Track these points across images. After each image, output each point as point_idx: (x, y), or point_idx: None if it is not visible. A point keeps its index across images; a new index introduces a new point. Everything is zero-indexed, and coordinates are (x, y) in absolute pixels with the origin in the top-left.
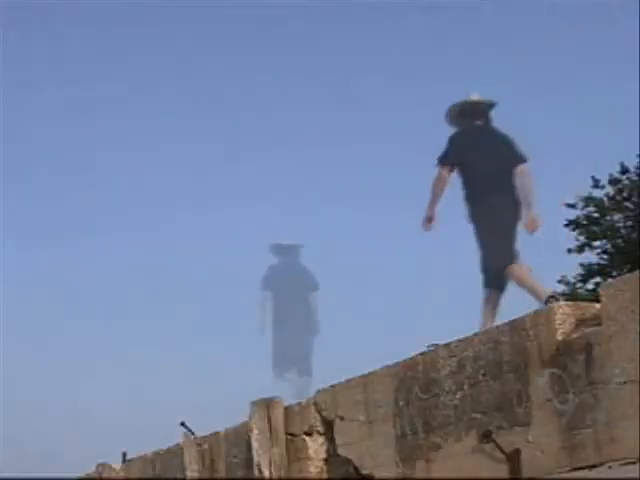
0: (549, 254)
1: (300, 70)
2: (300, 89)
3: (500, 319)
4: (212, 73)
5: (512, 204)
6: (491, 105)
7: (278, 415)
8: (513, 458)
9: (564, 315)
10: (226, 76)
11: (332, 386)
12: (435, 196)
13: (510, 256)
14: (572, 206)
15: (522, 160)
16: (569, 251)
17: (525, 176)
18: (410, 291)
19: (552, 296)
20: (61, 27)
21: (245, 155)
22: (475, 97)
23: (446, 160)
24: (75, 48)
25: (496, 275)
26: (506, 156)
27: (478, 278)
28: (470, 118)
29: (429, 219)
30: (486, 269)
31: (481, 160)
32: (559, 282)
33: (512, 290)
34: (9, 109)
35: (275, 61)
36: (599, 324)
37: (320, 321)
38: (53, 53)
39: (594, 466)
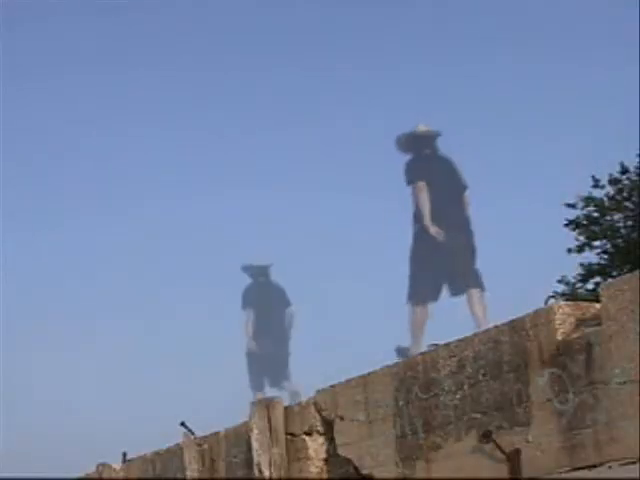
0: (549, 254)
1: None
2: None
3: (500, 319)
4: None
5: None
6: (436, 135)
7: (278, 415)
8: (513, 458)
9: (564, 315)
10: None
11: (332, 386)
12: (424, 208)
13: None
14: (572, 206)
15: (464, 187)
16: (569, 251)
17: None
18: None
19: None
20: (58, 17)
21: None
22: (422, 128)
23: (413, 176)
24: (67, 37)
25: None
26: (453, 183)
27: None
28: (418, 147)
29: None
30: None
31: (432, 185)
32: (559, 282)
33: (512, 290)
34: None
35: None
36: (599, 324)
37: (292, 335)
38: (50, 43)
39: (594, 466)
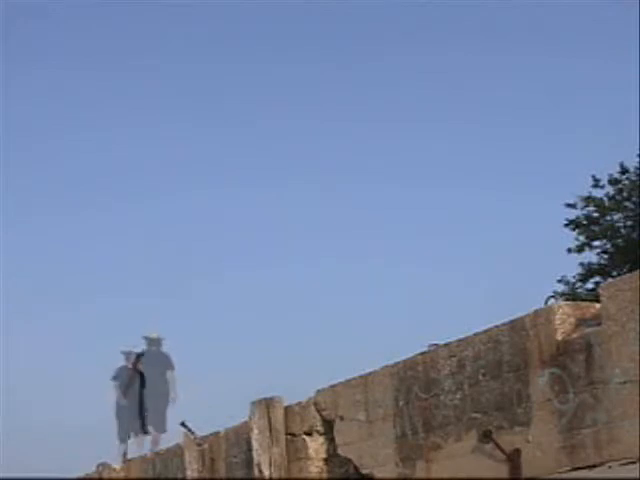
0: (549, 254)
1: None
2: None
3: (500, 319)
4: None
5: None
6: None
7: (278, 415)
8: (513, 458)
9: (564, 315)
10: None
11: (332, 386)
12: None
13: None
14: (572, 206)
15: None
16: (569, 251)
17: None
18: (409, 291)
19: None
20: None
21: None
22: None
23: None
24: (66, 37)
25: None
26: None
27: (477, 278)
28: None
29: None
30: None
31: None
32: (559, 282)
33: (512, 290)
34: None
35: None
36: (599, 324)
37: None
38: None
39: (594, 466)
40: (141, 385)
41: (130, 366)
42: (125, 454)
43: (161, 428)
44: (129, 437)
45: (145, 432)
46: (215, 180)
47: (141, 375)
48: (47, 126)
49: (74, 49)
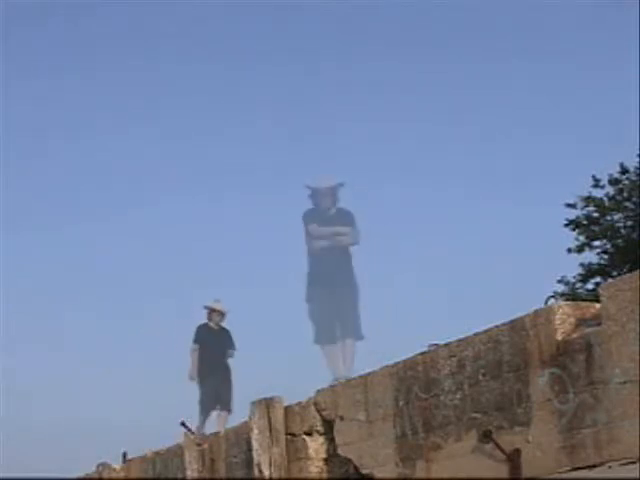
0: (549, 254)
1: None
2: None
3: (500, 319)
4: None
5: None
6: (338, 187)
7: (278, 415)
8: (513, 458)
9: (564, 315)
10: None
11: (332, 386)
12: None
13: None
14: (572, 206)
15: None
16: (569, 251)
17: None
18: (409, 291)
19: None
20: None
21: None
22: (324, 183)
23: (307, 219)
24: (65, 37)
25: None
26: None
27: (477, 278)
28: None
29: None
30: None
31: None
32: (559, 282)
33: (511, 290)
34: None
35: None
36: (599, 324)
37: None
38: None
39: (594, 466)
40: (228, 347)
41: (213, 324)
42: (203, 426)
43: (229, 406)
44: (212, 409)
45: (228, 409)
46: (215, 182)
47: (228, 336)
48: (47, 126)
49: (74, 49)
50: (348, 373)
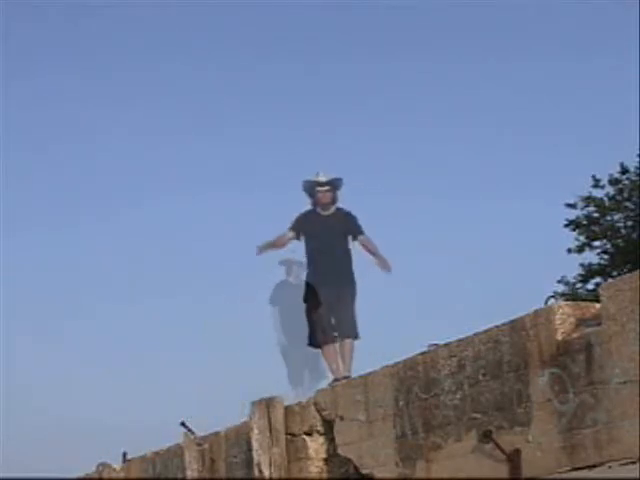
0: (549, 254)
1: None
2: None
3: (500, 319)
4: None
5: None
6: (338, 182)
7: (278, 415)
8: (513, 458)
9: (564, 315)
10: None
11: (332, 386)
12: (274, 245)
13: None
14: (572, 206)
15: (360, 233)
16: (569, 251)
17: (367, 243)
18: (409, 291)
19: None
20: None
21: None
22: (322, 178)
23: (293, 227)
24: (63, 36)
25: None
26: (346, 230)
27: (477, 278)
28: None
29: (259, 251)
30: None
31: (323, 240)
32: (559, 282)
33: (511, 290)
34: None
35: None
36: (599, 324)
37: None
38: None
39: (594, 466)
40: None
41: (292, 279)
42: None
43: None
44: (302, 380)
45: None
46: (214, 183)
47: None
48: (47, 127)
49: (74, 50)
50: (347, 373)
